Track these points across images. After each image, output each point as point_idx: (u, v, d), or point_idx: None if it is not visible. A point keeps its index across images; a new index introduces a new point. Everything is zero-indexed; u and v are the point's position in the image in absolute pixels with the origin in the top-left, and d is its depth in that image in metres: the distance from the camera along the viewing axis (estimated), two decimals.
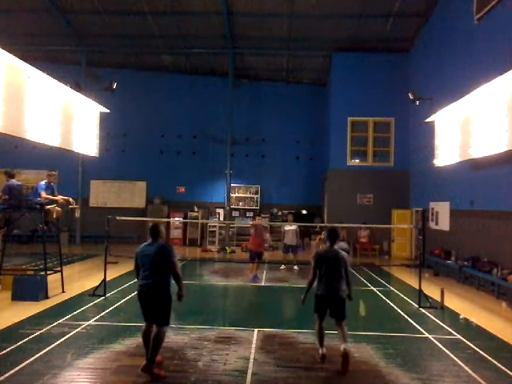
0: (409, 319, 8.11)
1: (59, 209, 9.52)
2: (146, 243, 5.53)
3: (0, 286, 9.40)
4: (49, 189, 9.45)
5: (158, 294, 5.27)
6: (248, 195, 21.65)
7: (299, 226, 14.62)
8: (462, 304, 9.51)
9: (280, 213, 21.35)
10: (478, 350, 6.37)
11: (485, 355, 6.14)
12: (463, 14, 13.11)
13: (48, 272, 9.17)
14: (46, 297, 8.88)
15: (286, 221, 15.90)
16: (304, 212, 21.03)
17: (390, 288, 11.39)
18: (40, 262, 10.31)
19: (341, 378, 5.29)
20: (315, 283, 5.79)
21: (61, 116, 9.31)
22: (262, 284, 11.64)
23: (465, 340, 6.83)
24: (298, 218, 20.49)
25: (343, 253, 5.84)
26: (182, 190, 21.71)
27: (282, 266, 14.13)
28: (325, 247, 5.98)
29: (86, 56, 19.98)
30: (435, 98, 14.60)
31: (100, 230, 11.48)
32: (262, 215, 20.88)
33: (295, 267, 13.95)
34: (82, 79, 18.52)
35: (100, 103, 11.56)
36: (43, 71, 8.24)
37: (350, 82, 18.63)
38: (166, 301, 5.29)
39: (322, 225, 18.96)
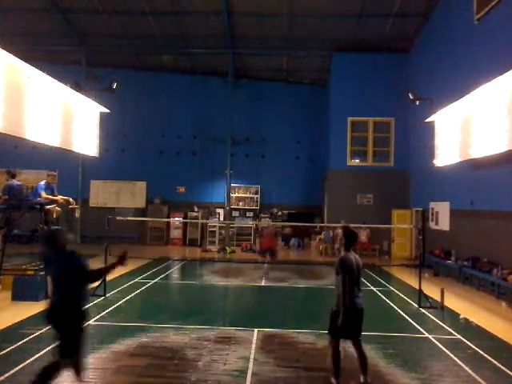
0: (409, 319, 8.11)
1: (59, 209, 9.53)
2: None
3: (0, 285, 9.40)
4: (48, 189, 9.46)
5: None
6: (248, 195, 21.65)
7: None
8: (462, 304, 9.51)
9: (280, 213, 21.36)
10: (478, 349, 6.37)
11: (485, 355, 6.14)
12: (463, 14, 13.11)
13: None
14: (46, 297, 8.82)
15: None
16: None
17: (390, 288, 11.39)
18: (40, 261, 10.29)
19: (341, 378, 5.28)
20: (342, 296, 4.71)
21: (61, 116, 9.32)
22: (262, 284, 11.64)
23: (465, 340, 6.83)
24: (295, 218, 20.58)
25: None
26: (182, 189, 21.71)
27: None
28: (345, 253, 4.90)
29: (85, 56, 19.97)
30: (435, 98, 14.60)
31: (100, 229, 11.47)
32: (262, 215, 21.08)
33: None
34: (82, 79, 18.52)
35: (100, 103, 11.57)
36: (43, 71, 8.25)
37: (350, 82, 18.63)
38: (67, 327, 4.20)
39: (323, 225, 19.01)
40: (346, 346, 6.40)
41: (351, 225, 17.53)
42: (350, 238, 4.93)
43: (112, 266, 4.34)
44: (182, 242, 20.69)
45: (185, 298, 10.17)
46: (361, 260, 5.01)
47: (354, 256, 4.88)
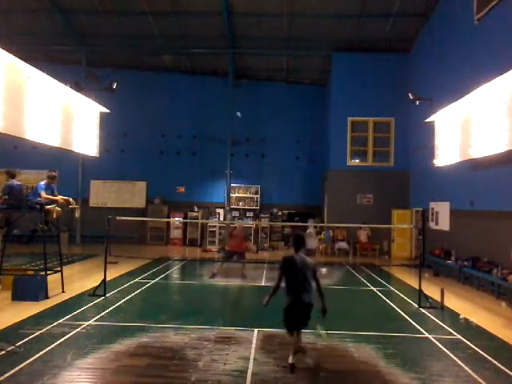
0: (409, 319, 8.11)
1: (59, 209, 9.52)
2: None
3: (0, 285, 9.41)
4: (49, 189, 9.44)
5: None
6: (248, 195, 21.64)
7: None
8: (462, 304, 9.51)
9: (280, 213, 21.35)
10: (478, 349, 6.37)
11: (485, 355, 6.14)
12: (463, 13, 13.11)
13: (48, 272, 9.17)
14: (46, 297, 8.87)
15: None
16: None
17: (390, 288, 11.39)
18: (40, 261, 10.31)
19: (341, 378, 5.29)
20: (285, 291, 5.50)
21: (61, 116, 9.31)
22: (262, 284, 11.64)
23: (465, 340, 6.83)
24: (295, 218, 20.55)
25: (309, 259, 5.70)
26: (182, 190, 21.71)
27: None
28: (293, 253, 5.68)
29: (85, 56, 19.97)
30: (435, 98, 14.60)
31: (100, 229, 11.47)
32: (262, 215, 21.05)
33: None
34: (82, 79, 18.53)
35: (100, 103, 11.56)
36: (43, 71, 8.24)
37: (350, 82, 18.64)
38: None
39: (323, 225, 19.01)
40: (347, 346, 6.42)
41: (351, 225, 17.61)
42: (298, 241, 5.72)
43: None
44: (181, 242, 20.69)
45: (185, 298, 10.17)
46: (310, 260, 5.69)
47: (300, 257, 5.57)
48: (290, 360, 5.47)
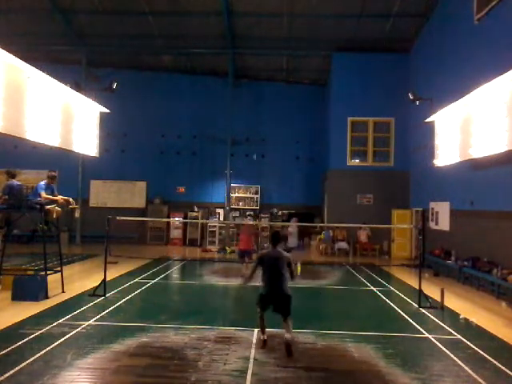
0: (409, 319, 8.11)
1: (59, 209, 9.52)
2: None
3: (0, 285, 9.41)
4: (49, 189, 9.43)
5: None
6: (248, 195, 21.65)
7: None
8: (462, 304, 9.50)
9: (280, 213, 21.35)
10: (478, 349, 6.37)
11: (485, 355, 6.13)
12: (463, 13, 13.11)
13: (48, 272, 9.17)
14: (46, 297, 8.87)
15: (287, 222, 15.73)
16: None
17: (390, 288, 11.39)
18: (40, 261, 10.31)
19: (341, 378, 5.29)
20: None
21: (61, 116, 9.31)
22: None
23: (465, 340, 6.83)
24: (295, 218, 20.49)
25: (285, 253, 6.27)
26: (182, 190, 21.72)
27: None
28: (269, 248, 6.36)
29: (86, 56, 19.97)
30: (435, 98, 14.60)
31: (100, 229, 11.47)
32: (262, 215, 21.05)
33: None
34: (82, 79, 18.53)
35: (100, 103, 11.55)
36: (43, 71, 8.24)
37: (350, 82, 18.64)
38: None
39: (323, 225, 19.02)
40: (347, 346, 6.43)
41: (351, 225, 17.60)
42: (274, 238, 6.37)
43: None
44: (182, 242, 20.70)
45: (185, 298, 10.17)
46: (287, 254, 6.26)
47: (275, 251, 6.18)
48: (261, 337, 6.01)
